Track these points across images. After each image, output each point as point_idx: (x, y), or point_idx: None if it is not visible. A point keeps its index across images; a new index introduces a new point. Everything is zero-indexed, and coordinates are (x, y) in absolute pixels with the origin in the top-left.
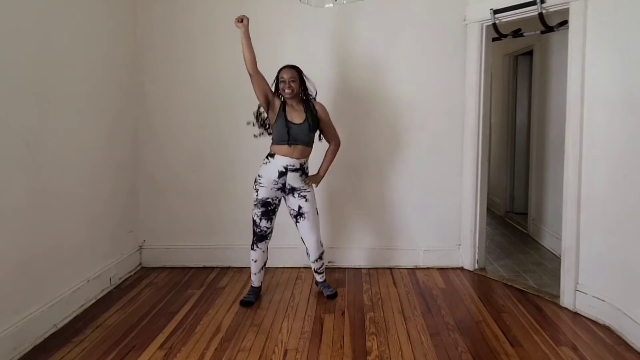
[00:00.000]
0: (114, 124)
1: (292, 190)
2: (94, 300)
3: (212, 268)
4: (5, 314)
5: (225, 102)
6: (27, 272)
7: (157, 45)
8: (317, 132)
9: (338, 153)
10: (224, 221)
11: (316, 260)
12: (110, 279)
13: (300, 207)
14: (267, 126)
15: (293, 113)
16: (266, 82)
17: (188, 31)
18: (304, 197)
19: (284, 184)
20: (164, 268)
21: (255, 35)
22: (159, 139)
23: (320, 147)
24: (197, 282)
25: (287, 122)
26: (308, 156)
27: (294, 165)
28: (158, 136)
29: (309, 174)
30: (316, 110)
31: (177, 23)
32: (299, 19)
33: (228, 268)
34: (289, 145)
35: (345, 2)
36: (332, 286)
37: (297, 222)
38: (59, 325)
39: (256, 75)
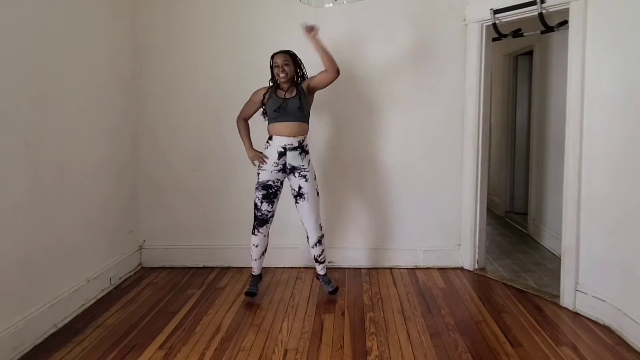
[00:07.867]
0: (114, 124)
1: (293, 169)
2: (94, 300)
3: (212, 268)
4: (5, 314)
5: (225, 102)
6: (27, 272)
7: (157, 45)
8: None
9: (338, 151)
10: (224, 221)
11: (315, 245)
12: (110, 279)
13: (300, 187)
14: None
15: (285, 92)
16: (253, 108)
17: (188, 31)
18: (304, 176)
19: (284, 165)
20: (164, 268)
21: (255, 35)
22: (159, 139)
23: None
24: (197, 282)
25: (278, 98)
26: (305, 134)
27: (292, 144)
28: (158, 136)
29: (309, 152)
30: (304, 86)
31: (177, 24)
32: (299, 19)
33: (228, 268)
34: (283, 121)
35: (345, 2)
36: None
37: (297, 202)
38: (59, 325)
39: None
